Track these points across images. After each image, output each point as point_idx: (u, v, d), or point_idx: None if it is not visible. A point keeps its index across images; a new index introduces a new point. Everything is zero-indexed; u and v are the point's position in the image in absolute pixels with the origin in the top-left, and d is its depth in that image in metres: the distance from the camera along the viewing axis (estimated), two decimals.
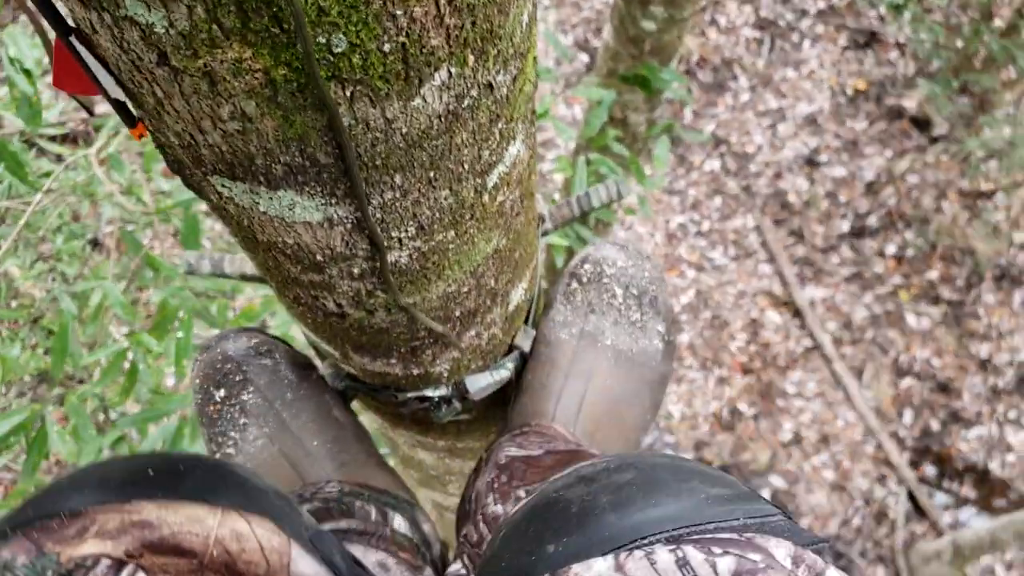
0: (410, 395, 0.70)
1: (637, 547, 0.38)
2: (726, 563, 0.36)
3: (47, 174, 1.86)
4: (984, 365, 3.94)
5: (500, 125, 0.46)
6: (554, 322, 0.79)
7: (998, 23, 3.95)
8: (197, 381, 0.72)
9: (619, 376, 0.77)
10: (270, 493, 0.46)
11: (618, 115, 2.15)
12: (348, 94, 0.35)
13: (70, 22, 0.36)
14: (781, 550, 0.37)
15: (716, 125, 4.34)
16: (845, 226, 4.12)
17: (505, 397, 0.80)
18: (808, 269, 4.10)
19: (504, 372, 0.72)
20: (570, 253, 2.05)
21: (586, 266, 0.80)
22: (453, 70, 0.38)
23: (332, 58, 0.33)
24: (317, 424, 0.73)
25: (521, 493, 0.61)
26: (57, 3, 0.36)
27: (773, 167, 4.26)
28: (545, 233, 0.82)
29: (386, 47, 0.33)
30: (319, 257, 0.48)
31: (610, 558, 0.37)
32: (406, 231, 0.47)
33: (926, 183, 4.09)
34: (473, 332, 0.64)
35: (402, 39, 0.33)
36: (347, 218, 0.44)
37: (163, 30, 0.31)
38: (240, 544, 0.37)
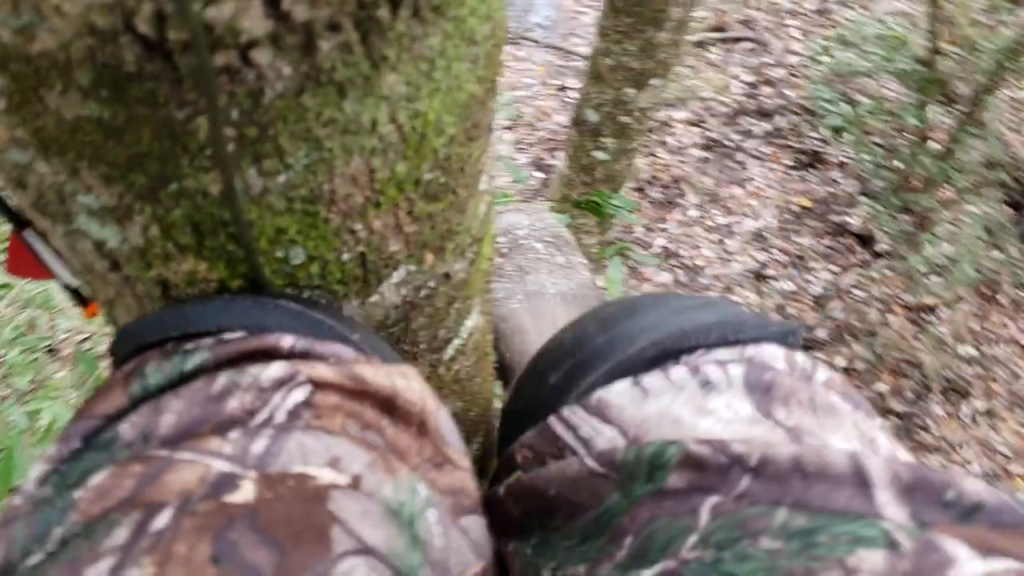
0: None
1: (640, 360, 0.41)
2: (738, 372, 0.39)
3: (5, 286, 1.83)
4: None
5: (457, 305, 0.46)
6: (497, 300, 0.81)
7: (935, 145, 4.15)
8: None
9: (573, 313, 0.79)
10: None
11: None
12: (306, 297, 0.35)
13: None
14: (778, 356, 0.41)
15: (667, 239, 4.43)
16: None
17: None
18: None
19: None
20: None
21: (499, 239, 0.84)
22: (411, 268, 0.38)
23: (289, 268, 0.33)
24: None
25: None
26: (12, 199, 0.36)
27: (723, 280, 4.34)
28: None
29: (344, 256, 0.33)
30: None
31: (629, 378, 0.40)
32: None
33: (872, 297, 4.20)
34: None
35: (361, 249, 0.34)
36: None
37: (116, 245, 0.31)
38: (406, 382, 0.36)
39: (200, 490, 0.28)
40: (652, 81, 1.82)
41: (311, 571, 0.27)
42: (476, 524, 0.38)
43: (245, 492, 0.29)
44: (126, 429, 0.31)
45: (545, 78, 4.82)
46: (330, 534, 0.29)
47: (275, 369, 0.32)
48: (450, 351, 0.49)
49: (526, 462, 0.44)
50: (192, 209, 0.29)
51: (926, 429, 4.00)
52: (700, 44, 4.76)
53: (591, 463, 0.38)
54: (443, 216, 0.37)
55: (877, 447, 0.37)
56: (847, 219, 4.39)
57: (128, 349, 0.34)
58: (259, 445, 0.30)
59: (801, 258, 4.36)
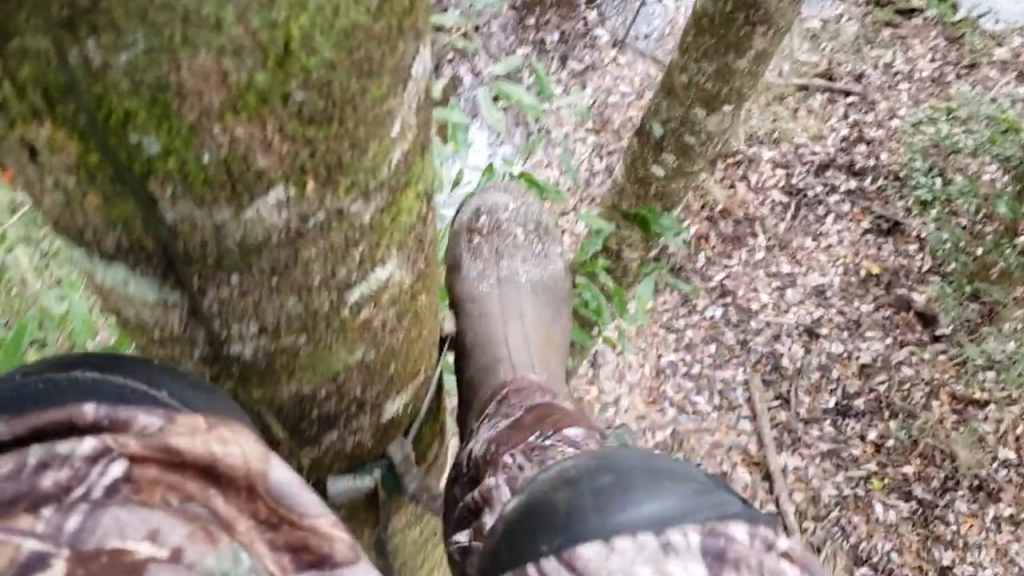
0: None
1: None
2: (695, 539, 0.42)
3: None
4: (944, 573, 3.83)
5: (361, 249, 0.46)
6: (469, 279, 0.83)
7: (1021, 240, 3.99)
8: None
9: (541, 304, 0.82)
10: (247, 418, 0.49)
11: (614, 247, 2.17)
12: (169, 193, 0.35)
13: None
14: (740, 530, 0.43)
15: (726, 275, 4.36)
16: (832, 402, 4.09)
17: (375, 505, 0.78)
18: (787, 436, 4.04)
19: (368, 481, 0.70)
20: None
21: (482, 218, 0.84)
22: (291, 192, 0.38)
23: (145, 157, 0.33)
24: None
25: (507, 459, 0.65)
26: None
27: (774, 328, 4.26)
28: None
29: (205, 158, 0.34)
30: (159, 335, 0.48)
31: (600, 542, 0.44)
32: (247, 328, 0.47)
33: (920, 378, 4.07)
34: (335, 435, 0.63)
35: (223, 153, 0.34)
36: (182, 303, 0.44)
37: None
38: (225, 448, 0.37)
39: (9, 571, 0.28)
40: (724, 107, 1.79)
41: None
42: None
43: (56, 571, 0.29)
44: None
45: (641, 89, 4.79)
46: None
47: (89, 444, 0.33)
48: (355, 295, 0.49)
49: None
50: (38, 71, 0.29)
51: (945, 522, 3.86)
52: (804, 88, 4.67)
53: None
54: (327, 145, 0.37)
55: None
56: (913, 295, 4.26)
57: None
58: (73, 522, 0.31)
59: (857, 324, 4.24)
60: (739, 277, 4.40)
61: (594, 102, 4.72)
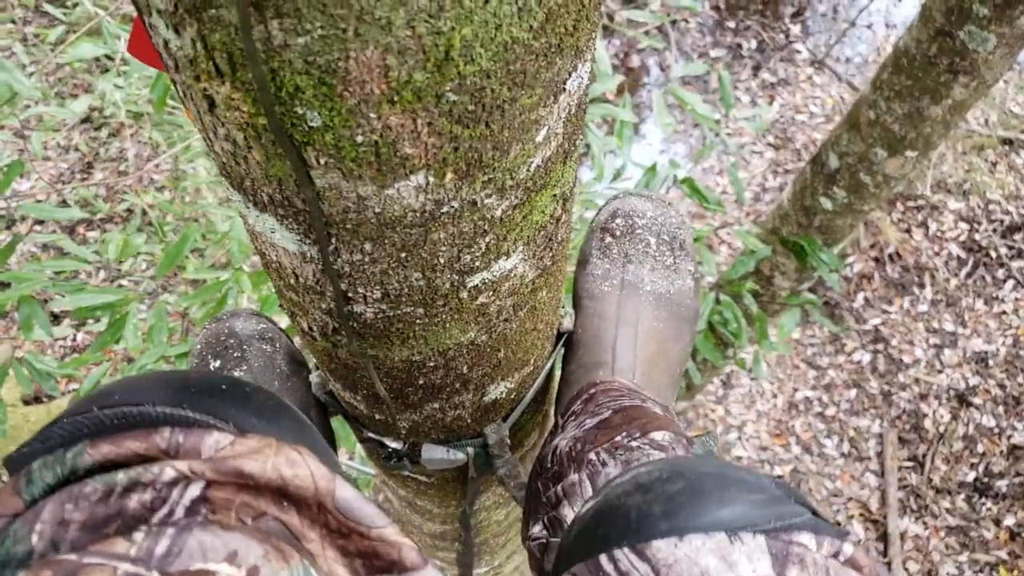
0: (370, 435, 0.73)
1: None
2: (761, 539, 0.44)
3: None
4: None
5: (488, 239, 0.48)
6: (593, 276, 0.84)
7: None
8: (198, 347, 0.78)
9: (661, 317, 0.82)
10: (315, 431, 0.54)
11: (766, 271, 2.12)
12: (322, 162, 0.38)
13: None
14: (806, 536, 0.45)
15: (883, 321, 4.16)
16: (971, 476, 3.84)
17: (464, 479, 0.81)
18: (914, 500, 3.84)
19: (461, 455, 0.73)
20: None
21: (617, 220, 0.84)
22: (431, 179, 0.40)
23: (306, 128, 0.36)
24: None
25: (592, 456, 0.67)
26: None
27: (923, 386, 4.03)
28: None
29: (358, 138, 0.36)
30: (293, 282, 0.51)
31: (671, 537, 0.46)
32: (372, 293, 0.50)
33: None
34: (436, 405, 0.66)
35: (375, 137, 0.36)
36: (318, 259, 0.47)
37: (176, 48, 0.35)
38: (293, 470, 0.42)
39: None
40: (907, 152, 1.71)
41: None
42: None
43: None
44: (35, 537, 0.36)
45: (832, 113, 4.60)
46: None
47: (169, 470, 0.38)
48: (475, 280, 0.51)
49: None
50: (227, 37, 0.32)
51: None
52: (1009, 142, 4.35)
53: None
54: (471, 143, 0.39)
55: None
56: None
57: (20, 463, 0.40)
58: (162, 545, 0.35)
59: (1017, 401, 3.95)
60: (896, 326, 4.18)
61: (779, 117, 4.58)
